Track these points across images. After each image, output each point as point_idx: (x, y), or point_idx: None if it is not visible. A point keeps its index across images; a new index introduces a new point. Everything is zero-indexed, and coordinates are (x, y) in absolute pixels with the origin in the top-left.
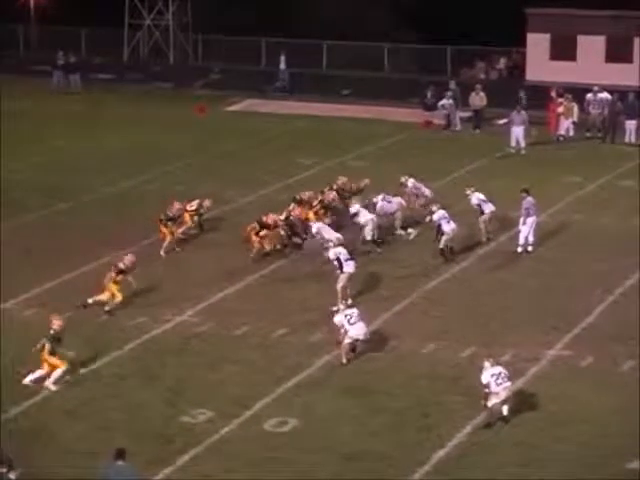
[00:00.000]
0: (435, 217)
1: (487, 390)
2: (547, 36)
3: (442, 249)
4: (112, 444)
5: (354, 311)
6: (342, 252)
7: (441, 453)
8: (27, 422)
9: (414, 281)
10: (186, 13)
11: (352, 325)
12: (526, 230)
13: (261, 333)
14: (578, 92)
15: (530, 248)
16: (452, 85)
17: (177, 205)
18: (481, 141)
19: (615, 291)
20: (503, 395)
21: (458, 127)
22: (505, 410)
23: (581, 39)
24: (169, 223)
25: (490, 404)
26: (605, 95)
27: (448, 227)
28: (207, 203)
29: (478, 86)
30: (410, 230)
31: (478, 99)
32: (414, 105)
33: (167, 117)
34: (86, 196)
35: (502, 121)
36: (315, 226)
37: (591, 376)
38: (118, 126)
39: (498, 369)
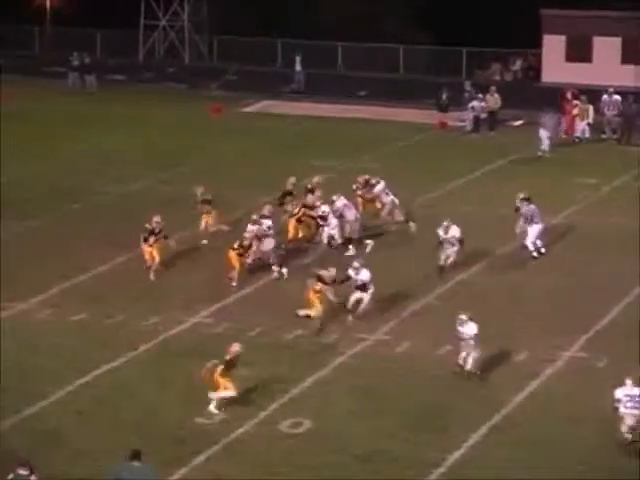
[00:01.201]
0: (338, 204)
1: (617, 406)
2: (563, 37)
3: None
4: (126, 445)
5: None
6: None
7: (456, 454)
8: (41, 423)
9: (430, 282)
10: (201, 14)
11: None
12: (533, 236)
13: (275, 334)
14: (594, 94)
15: (543, 250)
16: (467, 86)
17: (156, 218)
18: (496, 143)
19: (631, 292)
20: (628, 420)
21: (468, 127)
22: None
23: (597, 40)
24: (151, 239)
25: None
26: (619, 97)
27: (350, 214)
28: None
29: (493, 88)
30: (368, 241)
31: (493, 100)
32: (429, 106)
33: (182, 118)
34: (101, 197)
35: (518, 122)
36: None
37: (607, 377)
38: (133, 127)
39: (636, 391)
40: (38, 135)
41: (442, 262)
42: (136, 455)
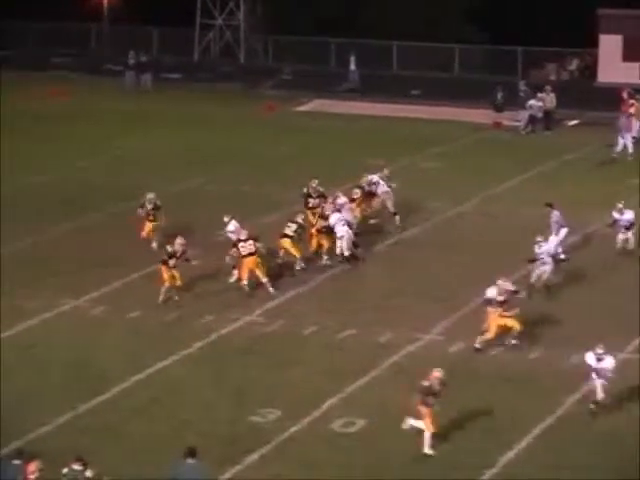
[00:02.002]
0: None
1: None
2: (619, 37)
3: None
4: (181, 443)
5: None
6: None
7: (510, 455)
8: (97, 420)
9: (482, 282)
10: (257, 13)
11: None
12: (556, 241)
13: (329, 333)
14: None
15: (562, 256)
16: (522, 86)
17: (179, 240)
18: (551, 143)
19: None
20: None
21: (523, 127)
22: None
23: None
24: (171, 261)
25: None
26: None
27: (342, 230)
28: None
29: (548, 87)
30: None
31: (549, 100)
32: (484, 106)
33: (236, 117)
34: (152, 194)
35: (573, 122)
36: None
37: None
38: (187, 125)
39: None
40: (93, 133)
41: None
42: (192, 452)
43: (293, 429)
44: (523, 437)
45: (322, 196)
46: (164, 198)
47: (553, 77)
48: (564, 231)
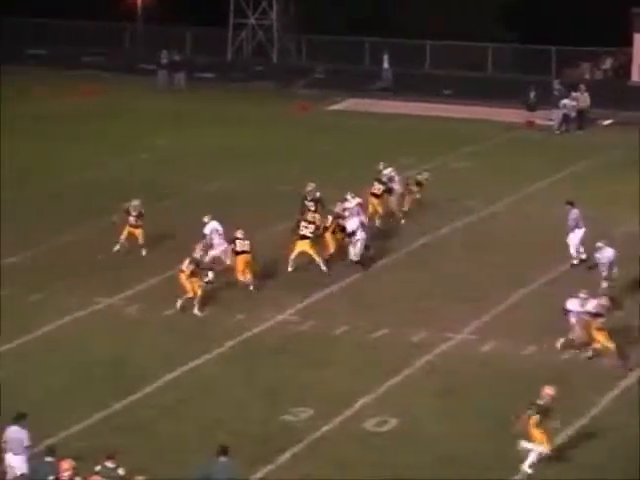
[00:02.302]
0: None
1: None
2: None
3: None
4: (212, 442)
5: None
6: None
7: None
8: (130, 418)
9: (514, 282)
10: (290, 13)
11: None
12: (576, 242)
13: (361, 333)
14: None
15: (583, 256)
16: (556, 85)
17: (199, 246)
18: (585, 142)
19: None
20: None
21: (556, 126)
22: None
23: None
24: (189, 268)
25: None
26: None
27: (361, 235)
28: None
29: (582, 86)
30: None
31: (582, 99)
32: (517, 105)
33: (269, 116)
34: (189, 194)
35: (607, 122)
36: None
37: None
38: (221, 125)
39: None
40: (127, 131)
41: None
42: (224, 451)
43: (325, 428)
44: (556, 437)
45: (318, 201)
46: (198, 197)
47: (587, 76)
48: (581, 232)
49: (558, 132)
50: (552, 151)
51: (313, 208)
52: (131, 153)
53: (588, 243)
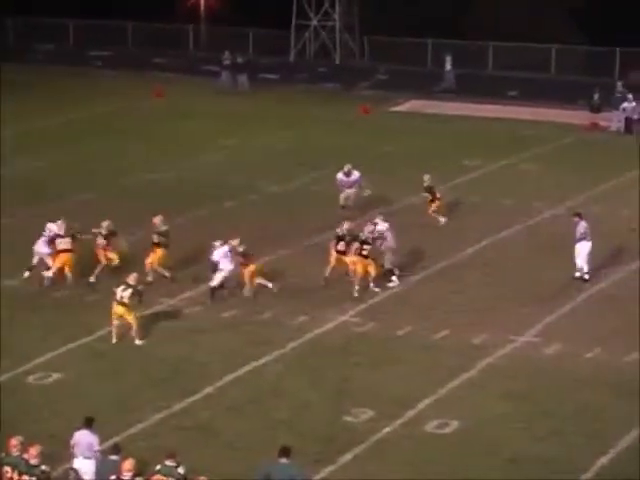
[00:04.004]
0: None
1: None
2: None
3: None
4: (275, 442)
5: None
6: None
7: (603, 460)
8: (191, 418)
9: (578, 284)
10: (352, 14)
11: None
12: (584, 255)
13: (423, 334)
14: None
15: (586, 277)
16: (619, 87)
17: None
18: None
19: None
20: None
21: (614, 128)
22: None
23: None
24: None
25: None
26: None
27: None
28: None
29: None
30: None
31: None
32: (581, 107)
33: (332, 117)
34: (252, 195)
35: None
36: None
37: None
38: (284, 126)
39: None
40: (191, 133)
41: None
42: (285, 452)
43: (387, 429)
44: (620, 440)
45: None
46: (267, 198)
47: None
48: (588, 245)
49: (621, 134)
50: (616, 153)
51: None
52: (197, 154)
53: None
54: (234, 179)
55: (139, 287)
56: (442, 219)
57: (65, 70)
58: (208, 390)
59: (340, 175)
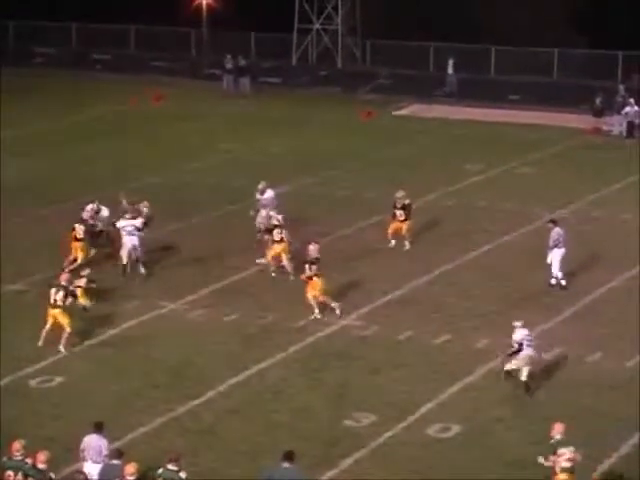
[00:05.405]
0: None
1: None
2: None
3: None
4: (276, 445)
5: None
6: None
7: (605, 465)
8: (194, 421)
9: (582, 289)
10: (354, 18)
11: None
12: (556, 262)
13: (425, 338)
14: None
15: (563, 282)
16: (621, 91)
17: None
18: None
19: None
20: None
21: (615, 132)
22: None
23: None
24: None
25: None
26: None
27: None
28: None
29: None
30: None
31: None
32: (583, 111)
33: (334, 121)
34: (254, 198)
35: None
36: None
37: None
38: (286, 129)
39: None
40: (192, 136)
41: None
42: (288, 456)
43: (388, 433)
44: (621, 444)
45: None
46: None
47: None
48: (561, 252)
49: (623, 138)
50: (618, 157)
51: (402, 217)
52: (198, 157)
53: None
54: (236, 182)
55: (71, 288)
56: (408, 243)
57: (66, 73)
58: (210, 393)
59: (257, 194)
